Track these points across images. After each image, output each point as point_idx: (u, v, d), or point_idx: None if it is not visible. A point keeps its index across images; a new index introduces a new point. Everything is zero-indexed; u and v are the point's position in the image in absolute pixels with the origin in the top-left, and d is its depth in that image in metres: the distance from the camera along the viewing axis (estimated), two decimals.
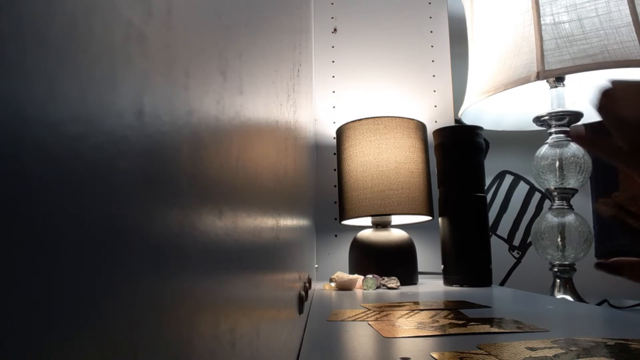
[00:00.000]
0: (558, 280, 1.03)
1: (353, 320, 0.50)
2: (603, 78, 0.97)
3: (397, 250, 1.04)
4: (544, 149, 1.05)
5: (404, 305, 0.62)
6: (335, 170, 1.32)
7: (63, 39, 0.06)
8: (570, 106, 1.06)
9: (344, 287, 0.91)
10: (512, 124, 1.27)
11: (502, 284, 1.36)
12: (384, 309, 0.60)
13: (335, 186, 1.32)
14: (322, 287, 0.95)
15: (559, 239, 1.01)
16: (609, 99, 0.38)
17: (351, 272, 1.08)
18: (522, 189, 1.41)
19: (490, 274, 0.93)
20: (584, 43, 0.95)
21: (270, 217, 0.23)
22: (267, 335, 0.20)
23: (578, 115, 1.05)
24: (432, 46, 1.40)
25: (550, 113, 1.05)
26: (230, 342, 0.13)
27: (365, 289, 0.91)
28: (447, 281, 0.94)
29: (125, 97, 0.07)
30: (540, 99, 1.17)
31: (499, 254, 1.36)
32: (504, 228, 1.39)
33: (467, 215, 0.94)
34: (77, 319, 0.06)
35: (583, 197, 1.32)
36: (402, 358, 0.33)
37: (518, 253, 1.38)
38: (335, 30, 1.41)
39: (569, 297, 1.00)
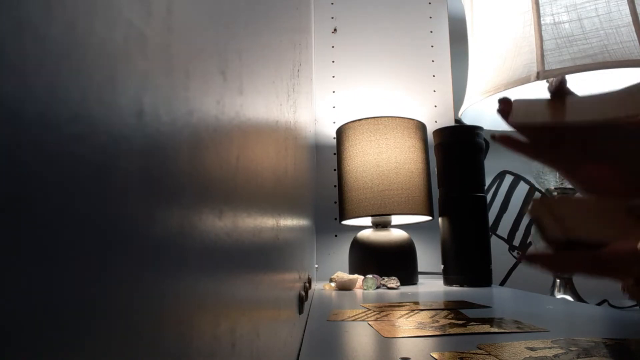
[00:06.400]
0: (558, 280, 1.03)
1: (353, 320, 0.50)
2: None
3: (397, 250, 1.04)
4: None
5: (404, 305, 0.62)
6: (335, 170, 1.32)
7: (63, 39, 0.06)
8: None
9: (344, 287, 0.91)
10: None
11: (502, 284, 1.36)
12: (384, 309, 0.60)
13: (335, 186, 1.32)
14: (322, 287, 0.95)
15: None
16: (505, 105, 0.44)
17: (351, 272, 1.08)
18: (522, 189, 1.41)
19: (490, 274, 0.93)
20: (584, 43, 0.95)
21: (270, 217, 0.23)
22: (267, 335, 0.20)
23: None
24: (432, 46, 1.40)
25: None
26: (230, 342, 0.13)
27: (365, 289, 0.91)
28: (447, 281, 0.94)
29: (125, 97, 0.07)
30: None
31: (499, 254, 1.35)
32: (504, 228, 1.39)
33: (467, 215, 0.94)
34: (77, 319, 0.06)
35: None
36: (402, 358, 0.33)
37: (518, 253, 1.38)
38: (335, 30, 1.41)
39: (569, 297, 1.00)
